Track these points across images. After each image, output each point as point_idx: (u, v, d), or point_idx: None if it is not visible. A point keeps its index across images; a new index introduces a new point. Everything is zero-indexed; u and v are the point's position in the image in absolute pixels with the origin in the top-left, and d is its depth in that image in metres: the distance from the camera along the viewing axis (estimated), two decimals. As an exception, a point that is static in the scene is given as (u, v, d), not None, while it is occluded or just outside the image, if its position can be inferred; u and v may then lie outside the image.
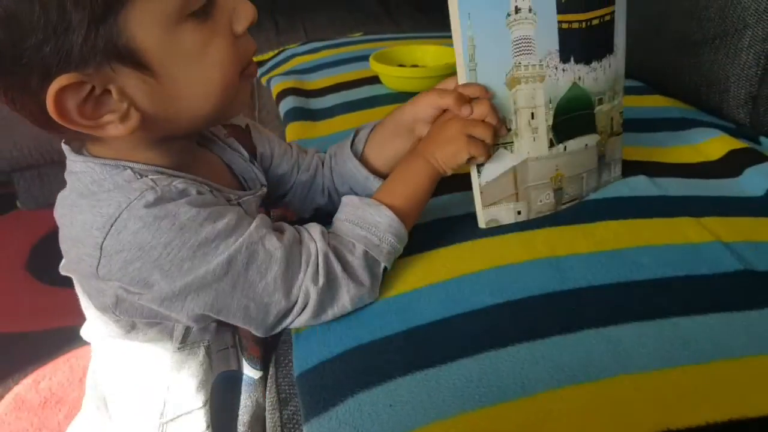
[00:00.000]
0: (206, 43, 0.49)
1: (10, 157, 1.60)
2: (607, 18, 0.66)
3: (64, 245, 0.54)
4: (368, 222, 0.59)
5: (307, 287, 0.55)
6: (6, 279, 1.67)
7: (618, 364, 0.51)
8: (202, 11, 0.49)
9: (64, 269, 0.57)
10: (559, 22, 0.63)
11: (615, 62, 0.69)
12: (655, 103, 1.08)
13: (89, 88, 0.46)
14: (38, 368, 1.37)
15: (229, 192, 0.59)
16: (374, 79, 1.19)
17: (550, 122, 0.66)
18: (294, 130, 1.03)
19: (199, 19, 0.48)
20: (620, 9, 0.67)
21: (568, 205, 0.72)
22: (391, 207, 0.60)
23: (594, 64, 0.66)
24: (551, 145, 0.67)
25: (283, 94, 1.19)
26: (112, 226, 0.48)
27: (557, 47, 0.64)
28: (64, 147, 0.55)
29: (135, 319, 0.57)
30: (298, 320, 0.57)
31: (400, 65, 1.19)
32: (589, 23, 0.64)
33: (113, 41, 0.45)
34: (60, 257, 0.57)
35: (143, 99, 0.49)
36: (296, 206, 0.77)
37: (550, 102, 0.65)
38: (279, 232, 0.56)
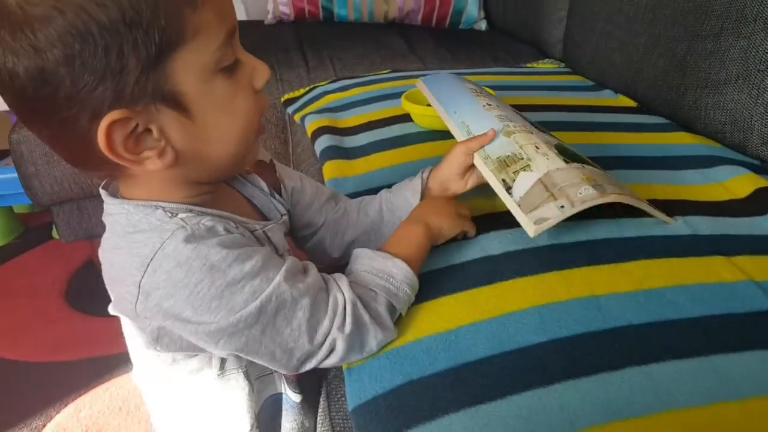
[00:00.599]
0: (234, 95, 0.55)
1: (51, 191, 1.64)
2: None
3: (108, 285, 0.59)
4: (386, 272, 0.64)
5: (334, 335, 0.59)
6: (45, 309, 1.72)
7: (661, 401, 0.54)
8: (230, 67, 0.54)
9: (111, 309, 0.61)
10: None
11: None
12: (680, 141, 1.11)
13: (134, 125, 0.50)
14: (78, 397, 1.41)
15: (254, 223, 0.63)
16: (405, 118, 1.23)
17: (554, 151, 0.76)
18: (331, 169, 1.07)
19: (228, 74, 0.54)
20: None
21: (614, 195, 0.73)
22: (402, 260, 0.65)
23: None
24: (566, 162, 0.75)
25: (319, 132, 1.23)
26: (148, 265, 0.52)
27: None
28: (102, 192, 0.59)
29: (175, 352, 0.61)
30: (324, 363, 0.60)
31: (429, 104, 1.23)
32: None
33: (160, 84, 0.50)
34: (98, 288, 0.61)
35: (178, 138, 0.53)
36: (327, 244, 0.80)
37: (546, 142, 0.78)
38: (305, 274, 0.60)
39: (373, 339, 0.61)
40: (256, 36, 2.12)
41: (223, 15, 0.52)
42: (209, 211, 0.58)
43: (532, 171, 0.74)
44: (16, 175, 1.66)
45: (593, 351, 0.60)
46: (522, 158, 0.75)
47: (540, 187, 0.72)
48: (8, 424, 1.34)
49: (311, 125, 1.29)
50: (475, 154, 0.78)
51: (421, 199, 0.78)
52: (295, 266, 0.59)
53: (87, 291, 1.78)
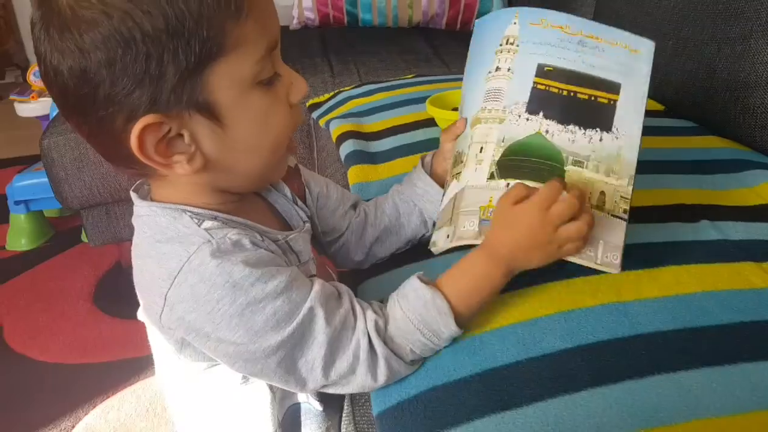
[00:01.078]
0: (269, 109, 0.55)
1: (81, 195, 1.67)
2: (603, 101, 0.71)
3: (138, 291, 0.59)
4: (432, 329, 0.59)
5: (349, 377, 0.58)
6: (74, 311, 1.74)
7: (689, 409, 0.53)
8: (268, 81, 0.55)
9: (140, 314, 0.62)
10: (536, 83, 0.71)
11: (613, 143, 0.71)
12: (710, 144, 1.09)
13: (167, 129, 0.52)
14: (106, 399, 1.43)
15: (276, 233, 0.62)
16: (430, 122, 1.22)
17: (497, 157, 0.69)
18: (356, 173, 1.07)
19: (265, 87, 0.54)
20: (628, 103, 0.71)
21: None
22: (458, 315, 0.60)
23: (572, 127, 0.70)
24: (491, 177, 0.69)
25: (344, 137, 1.24)
26: (175, 278, 0.53)
27: (526, 99, 0.71)
28: (132, 194, 0.60)
29: (198, 362, 0.62)
30: (335, 390, 0.60)
31: (455, 109, 1.22)
32: (573, 93, 0.71)
33: (196, 93, 0.51)
34: (126, 291, 0.62)
35: (209, 145, 0.54)
36: (351, 248, 0.80)
37: (504, 140, 0.70)
38: (338, 302, 0.59)
39: (384, 381, 0.60)
40: (281, 41, 2.13)
41: (265, 29, 0.53)
42: (235, 219, 0.59)
43: (458, 181, 0.72)
44: (46, 179, 1.69)
45: (620, 358, 0.59)
46: (462, 161, 0.72)
47: (451, 204, 0.71)
48: (37, 425, 1.37)
49: (336, 130, 1.29)
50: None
51: (432, 177, 0.77)
52: (324, 293, 0.58)
53: (115, 294, 1.80)
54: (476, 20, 0.83)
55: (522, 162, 0.69)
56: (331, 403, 0.69)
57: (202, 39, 0.48)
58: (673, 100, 1.29)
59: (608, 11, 1.60)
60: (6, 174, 2.19)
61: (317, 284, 0.58)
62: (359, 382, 0.58)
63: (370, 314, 0.59)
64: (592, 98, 0.70)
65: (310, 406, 0.68)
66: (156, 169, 0.54)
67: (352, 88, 1.59)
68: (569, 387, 0.56)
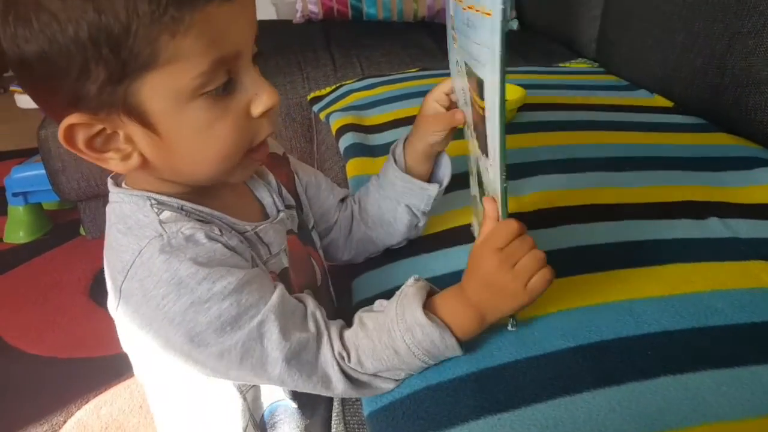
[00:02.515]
0: (214, 120, 0.52)
1: (77, 187, 1.66)
2: (481, 111, 0.57)
3: (107, 281, 0.58)
4: (436, 358, 0.58)
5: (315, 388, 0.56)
6: (70, 305, 1.72)
7: (697, 413, 0.50)
8: (220, 90, 0.51)
9: (108, 304, 0.59)
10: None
11: (485, 163, 0.61)
12: (719, 141, 1.06)
13: (100, 128, 0.51)
14: (99, 394, 1.40)
15: (245, 224, 0.60)
16: (432, 116, 1.20)
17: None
18: (355, 166, 1.05)
19: (213, 98, 0.51)
20: (490, 108, 0.54)
21: None
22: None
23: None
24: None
25: (343, 130, 1.21)
26: (127, 272, 0.52)
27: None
28: (109, 180, 0.59)
29: (155, 356, 0.59)
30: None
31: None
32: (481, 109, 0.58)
33: (125, 99, 0.49)
34: None
35: (146, 148, 0.53)
36: (339, 244, 0.78)
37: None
38: (298, 317, 0.56)
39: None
40: (284, 35, 2.11)
41: (215, 42, 0.49)
42: (200, 209, 0.57)
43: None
44: (44, 171, 1.68)
45: (624, 358, 0.56)
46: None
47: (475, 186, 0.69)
48: (29, 419, 1.34)
49: (336, 123, 1.27)
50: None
51: (406, 171, 0.73)
52: (284, 305, 0.55)
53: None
54: None
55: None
56: (308, 402, 0.66)
57: (130, 49, 0.47)
58: (682, 96, 1.26)
59: (617, 6, 1.57)
60: (6, 166, 2.17)
61: (277, 295, 0.55)
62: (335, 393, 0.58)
63: (344, 340, 0.57)
64: (481, 110, 0.57)
65: (287, 404, 0.65)
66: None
67: (354, 81, 1.57)
68: (570, 388, 0.54)
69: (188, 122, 0.51)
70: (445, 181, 0.74)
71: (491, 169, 0.58)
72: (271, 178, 0.69)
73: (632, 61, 1.47)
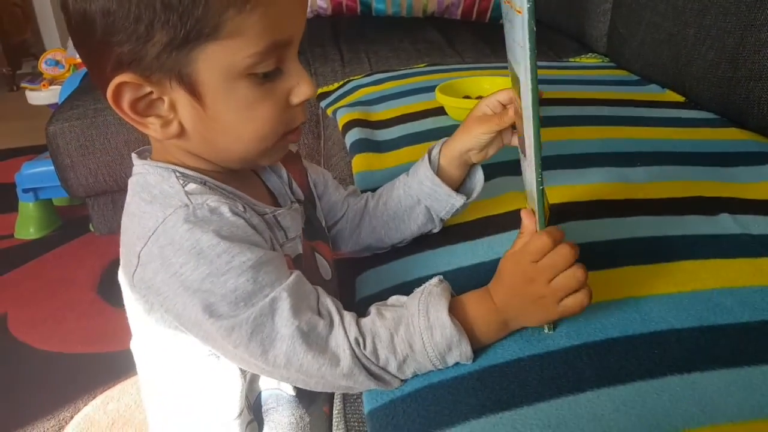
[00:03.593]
0: (257, 101, 0.55)
1: (86, 183, 1.66)
2: (520, 111, 0.57)
3: (121, 249, 0.59)
4: (446, 363, 0.56)
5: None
6: (78, 301, 1.72)
7: (705, 414, 0.49)
8: (267, 75, 0.54)
9: (120, 275, 0.61)
10: None
11: (524, 164, 0.61)
12: (731, 137, 1.04)
13: (148, 91, 0.53)
14: (107, 389, 1.40)
15: (264, 207, 0.61)
16: (439, 111, 1.19)
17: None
18: (360, 162, 1.04)
19: (260, 80, 0.54)
20: (527, 117, 0.54)
21: None
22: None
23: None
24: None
25: (349, 125, 1.20)
26: (149, 238, 0.53)
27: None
28: (133, 155, 0.61)
29: (165, 328, 0.59)
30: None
31: (466, 97, 1.18)
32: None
33: (180, 67, 0.51)
34: None
35: (188, 118, 0.55)
36: (345, 235, 0.78)
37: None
38: (311, 297, 0.56)
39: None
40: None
41: (274, 26, 0.52)
42: (224, 186, 0.59)
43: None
44: (52, 168, 1.68)
45: (630, 357, 0.55)
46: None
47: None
48: (37, 414, 1.34)
49: (343, 118, 1.26)
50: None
51: (438, 173, 0.72)
52: (299, 286, 0.55)
53: (119, 285, 1.78)
54: None
55: None
56: (305, 391, 0.64)
57: (196, 18, 0.49)
58: (694, 91, 1.24)
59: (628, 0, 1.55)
60: (18, 163, 2.17)
61: (294, 277, 0.55)
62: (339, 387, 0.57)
63: (353, 329, 0.55)
64: (520, 108, 0.57)
65: (281, 392, 0.65)
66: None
67: (362, 77, 1.56)
68: (573, 387, 0.52)
69: (233, 98, 0.54)
70: (474, 194, 0.73)
71: (528, 169, 0.57)
72: (284, 171, 0.71)
73: (643, 55, 1.45)
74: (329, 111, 1.42)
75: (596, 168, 0.90)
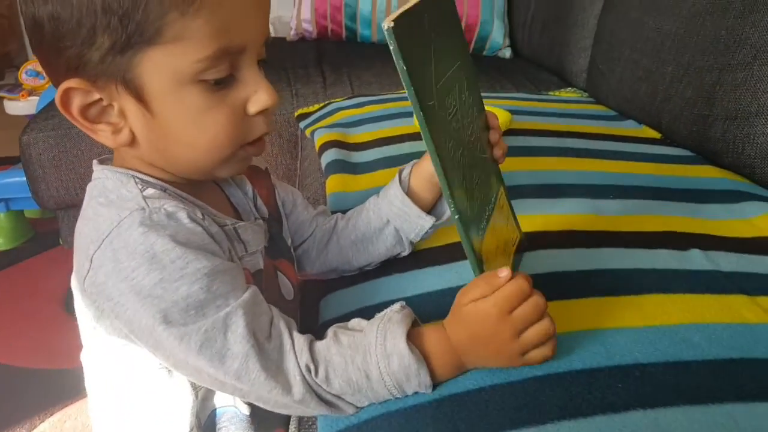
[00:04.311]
0: (208, 109, 0.53)
1: (57, 195, 1.62)
2: None
3: (74, 254, 0.57)
4: (404, 392, 0.54)
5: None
6: (43, 315, 1.68)
7: (667, 452, 0.48)
8: (219, 82, 0.53)
9: (72, 280, 0.58)
10: None
11: None
12: (705, 174, 1.04)
13: (97, 97, 0.52)
14: (65, 407, 1.36)
15: (225, 218, 0.60)
16: (417, 136, 1.17)
17: None
18: (334, 182, 1.03)
19: (211, 87, 0.52)
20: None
21: None
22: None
23: None
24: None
25: (326, 146, 1.19)
26: (103, 241, 0.51)
27: None
28: (94, 162, 0.59)
29: (116, 336, 0.57)
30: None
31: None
32: None
33: (123, 71, 0.50)
34: None
35: (138, 125, 0.54)
36: (312, 256, 0.77)
37: None
38: (265, 317, 0.54)
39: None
40: (276, 51, 2.10)
41: (222, 31, 0.50)
42: (184, 195, 0.57)
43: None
44: (24, 179, 1.65)
45: (594, 389, 0.53)
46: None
47: None
48: (-10, 430, 1.30)
49: (320, 139, 1.25)
50: None
51: (408, 194, 0.70)
52: (254, 303, 0.54)
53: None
54: None
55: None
56: (262, 411, 0.62)
57: (137, 22, 0.48)
58: (671, 127, 1.25)
59: (608, 36, 1.56)
60: (-10, 173, 2.14)
61: (250, 293, 0.54)
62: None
63: (305, 355, 0.53)
64: None
65: (236, 410, 0.62)
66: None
67: (343, 99, 1.55)
68: (535, 419, 0.51)
69: (182, 105, 0.52)
70: (444, 217, 0.71)
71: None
72: (249, 187, 0.69)
73: (621, 91, 1.46)
74: (308, 132, 1.41)
75: (570, 198, 0.89)
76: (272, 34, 2.74)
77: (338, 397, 0.54)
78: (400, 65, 0.47)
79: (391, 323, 0.54)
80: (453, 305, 0.56)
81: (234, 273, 0.54)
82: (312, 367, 0.53)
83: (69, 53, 0.50)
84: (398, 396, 0.54)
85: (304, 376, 0.52)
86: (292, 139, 1.64)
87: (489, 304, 0.52)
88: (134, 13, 0.47)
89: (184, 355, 0.51)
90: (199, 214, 0.55)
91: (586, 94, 1.68)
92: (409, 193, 0.71)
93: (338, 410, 0.55)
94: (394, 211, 0.71)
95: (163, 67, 0.50)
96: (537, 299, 0.53)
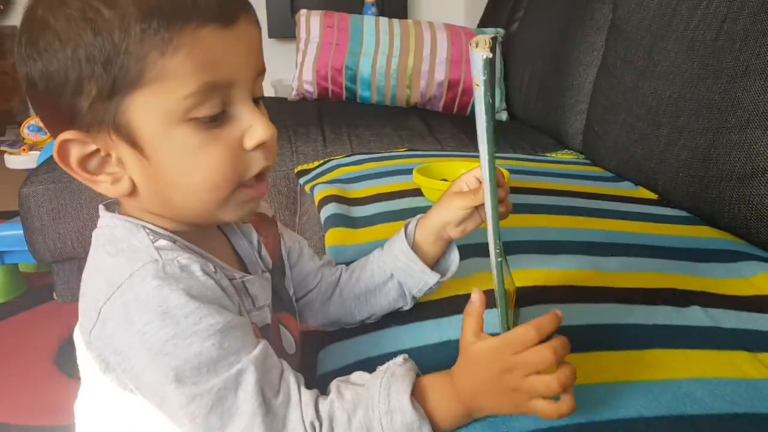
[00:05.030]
0: (201, 147, 0.52)
1: (53, 248, 1.62)
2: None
3: (79, 304, 0.56)
4: None
5: None
6: (33, 370, 1.65)
7: None
8: (213, 119, 0.52)
9: (75, 332, 0.57)
10: None
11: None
12: (702, 234, 1.05)
13: (94, 148, 0.53)
14: (51, 465, 1.32)
15: (233, 271, 0.59)
16: (416, 192, 1.19)
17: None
18: (333, 236, 1.03)
19: (203, 125, 0.52)
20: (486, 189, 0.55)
21: None
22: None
23: None
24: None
25: (326, 200, 1.20)
26: (113, 293, 0.50)
27: None
28: (101, 207, 0.59)
29: (121, 389, 0.55)
30: None
31: (444, 179, 1.19)
32: None
33: (113, 116, 0.51)
34: None
35: (136, 173, 0.54)
36: (315, 307, 0.76)
37: None
38: (275, 372, 0.53)
39: None
40: (277, 110, 2.13)
41: (205, 66, 0.50)
42: (193, 247, 0.56)
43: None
44: (21, 232, 1.65)
45: (597, 444, 0.52)
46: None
47: None
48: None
49: (320, 194, 1.26)
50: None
51: (413, 248, 0.70)
52: (266, 359, 0.53)
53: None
54: None
55: None
56: None
57: (119, 66, 0.49)
58: (667, 189, 1.26)
59: (603, 100, 1.59)
60: (-12, 226, 2.14)
61: (260, 348, 0.53)
62: None
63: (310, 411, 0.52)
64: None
65: None
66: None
67: (343, 157, 1.57)
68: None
69: (175, 146, 0.52)
70: (449, 273, 0.71)
71: (489, 240, 0.56)
72: (255, 236, 0.68)
73: (617, 153, 1.48)
74: (307, 187, 1.42)
75: (568, 255, 0.89)
76: (274, 95, 2.79)
77: None
78: (486, 98, 0.47)
79: (395, 378, 0.53)
80: (460, 347, 0.56)
81: (245, 328, 0.53)
82: (317, 424, 0.52)
83: (62, 106, 0.51)
84: None
85: None
86: (291, 195, 1.65)
87: (497, 342, 0.52)
88: (116, 58, 0.48)
89: (190, 417, 0.50)
90: (212, 267, 0.54)
91: (583, 156, 1.71)
92: (414, 247, 0.71)
93: None
94: (399, 265, 0.71)
95: (152, 108, 0.50)
96: (545, 350, 0.51)
